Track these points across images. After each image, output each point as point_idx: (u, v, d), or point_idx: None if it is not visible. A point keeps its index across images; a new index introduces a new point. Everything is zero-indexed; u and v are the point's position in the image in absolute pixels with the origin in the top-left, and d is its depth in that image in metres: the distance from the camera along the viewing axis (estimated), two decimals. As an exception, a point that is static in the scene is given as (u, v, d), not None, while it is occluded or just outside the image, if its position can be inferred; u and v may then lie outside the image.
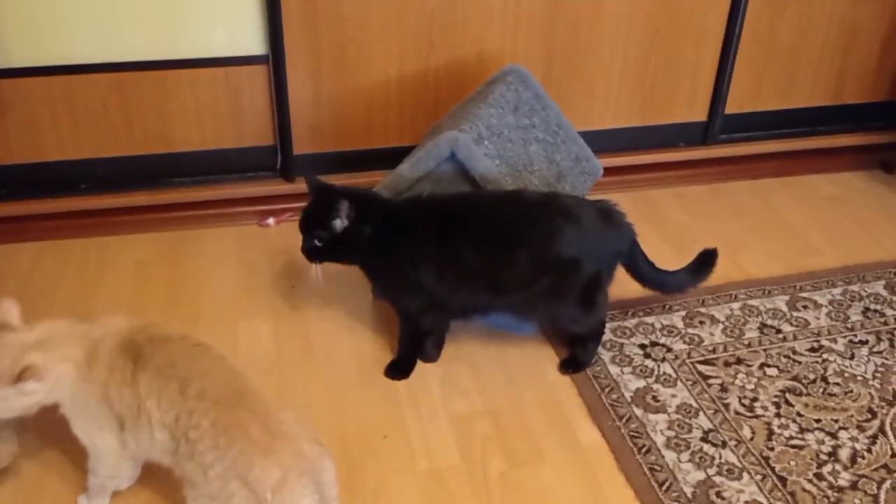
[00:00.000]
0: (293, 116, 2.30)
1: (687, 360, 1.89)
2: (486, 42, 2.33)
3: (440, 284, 1.73)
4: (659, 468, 1.62)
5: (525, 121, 2.02)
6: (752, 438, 1.69)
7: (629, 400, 1.77)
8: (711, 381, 1.83)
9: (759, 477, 1.60)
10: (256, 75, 2.26)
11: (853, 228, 2.42)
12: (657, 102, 2.55)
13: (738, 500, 1.55)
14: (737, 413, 1.75)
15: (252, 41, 2.23)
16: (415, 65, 2.32)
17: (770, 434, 1.70)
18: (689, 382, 1.82)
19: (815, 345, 1.94)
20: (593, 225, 1.75)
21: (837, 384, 1.83)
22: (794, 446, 1.67)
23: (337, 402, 1.77)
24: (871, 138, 2.73)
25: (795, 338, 1.96)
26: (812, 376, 1.85)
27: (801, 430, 1.71)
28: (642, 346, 1.92)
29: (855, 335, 1.97)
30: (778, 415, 1.74)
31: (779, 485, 1.58)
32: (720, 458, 1.64)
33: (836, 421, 1.73)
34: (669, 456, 1.64)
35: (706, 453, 1.65)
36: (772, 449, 1.66)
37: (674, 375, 1.84)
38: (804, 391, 1.81)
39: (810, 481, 1.59)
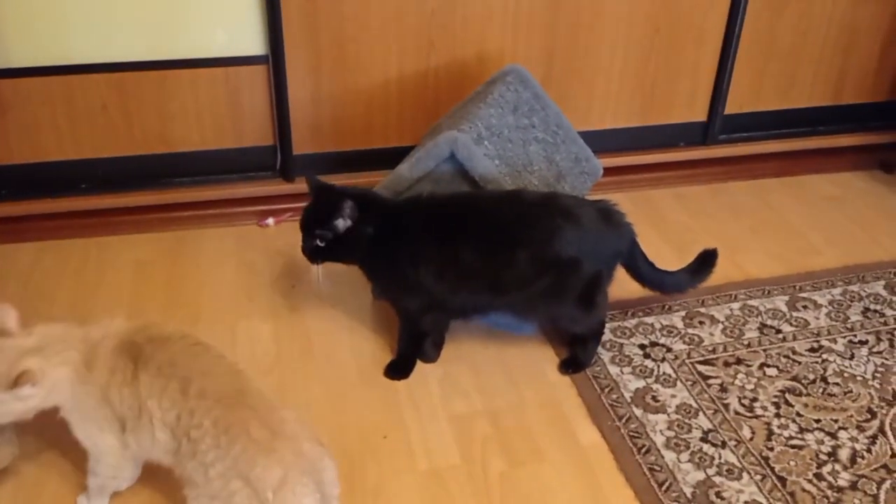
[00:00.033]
0: (293, 116, 2.30)
1: (687, 361, 1.89)
2: (486, 42, 2.33)
3: (440, 284, 1.73)
4: (658, 468, 1.62)
5: (525, 121, 2.02)
6: (751, 438, 1.69)
7: (629, 400, 1.77)
8: (711, 381, 1.83)
9: (758, 477, 1.60)
10: (256, 75, 2.26)
11: (853, 228, 2.42)
12: (657, 102, 2.55)
13: (737, 501, 1.55)
14: (736, 413, 1.75)
15: (252, 41, 2.23)
16: (415, 65, 2.32)
17: (770, 434, 1.70)
18: (689, 383, 1.82)
19: (815, 345, 1.94)
20: (593, 225, 1.75)
21: (837, 384, 1.83)
22: (793, 446, 1.67)
23: (337, 402, 1.77)
24: (871, 138, 2.73)
25: (795, 338, 1.96)
26: (812, 376, 1.85)
27: (801, 431, 1.71)
28: (642, 347, 1.92)
29: (855, 335, 1.97)
30: (778, 415, 1.74)
31: (778, 485, 1.59)
32: (720, 458, 1.64)
33: (836, 421, 1.73)
34: (669, 456, 1.64)
35: (706, 453, 1.65)
36: (771, 449, 1.66)
37: (673, 376, 1.84)
38: (804, 391, 1.81)
39: (810, 481, 1.59)
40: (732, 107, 2.60)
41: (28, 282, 2.10)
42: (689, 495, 1.56)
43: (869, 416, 1.74)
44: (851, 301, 2.09)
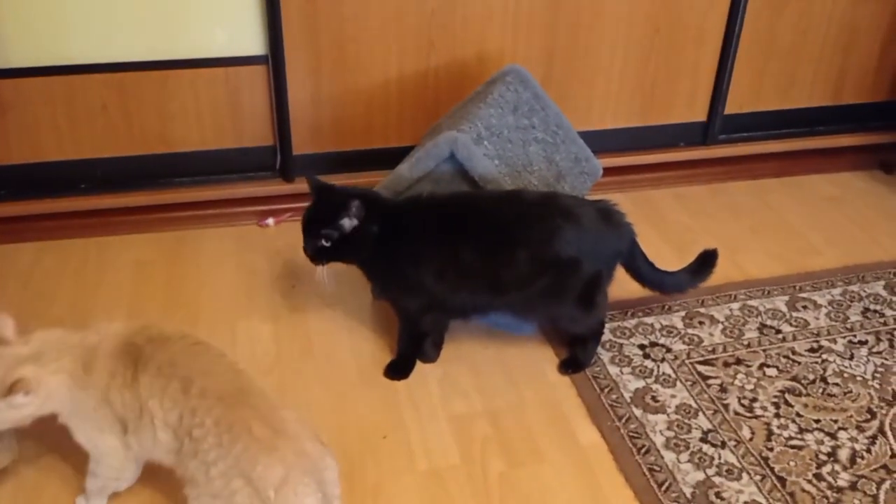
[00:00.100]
0: (293, 116, 2.30)
1: (686, 361, 1.89)
2: (486, 42, 2.33)
3: (440, 284, 1.74)
4: (658, 468, 1.62)
5: (524, 121, 2.02)
6: (751, 439, 1.69)
7: (628, 400, 1.77)
8: (711, 381, 1.83)
9: (758, 477, 1.60)
10: (256, 75, 2.26)
11: (853, 229, 2.42)
12: (657, 102, 2.55)
13: (737, 501, 1.55)
14: (736, 413, 1.75)
15: (252, 41, 2.23)
16: (415, 65, 2.32)
17: (769, 434, 1.70)
18: (689, 383, 1.83)
19: (815, 345, 1.94)
20: (593, 225, 1.75)
21: (837, 384, 1.83)
22: (793, 447, 1.67)
23: (337, 403, 1.77)
24: (871, 138, 2.73)
25: (795, 338, 1.96)
26: (811, 377, 1.85)
27: (801, 431, 1.71)
28: (642, 347, 1.93)
29: (854, 335, 1.97)
30: (777, 415, 1.74)
31: (778, 485, 1.59)
32: (719, 458, 1.64)
33: (836, 421, 1.73)
34: (669, 456, 1.64)
35: (705, 454, 1.65)
36: (771, 449, 1.66)
37: (673, 376, 1.84)
38: (803, 391, 1.81)
39: (809, 482, 1.59)
40: (732, 107, 2.60)
41: (28, 282, 2.10)
42: (688, 495, 1.56)
43: (868, 417, 1.74)
44: (851, 301, 2.09)
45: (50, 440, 1.57)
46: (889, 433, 1.71)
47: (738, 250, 2.28)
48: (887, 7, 2.57)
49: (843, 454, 1.66)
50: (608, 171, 2.28)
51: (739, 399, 1.78)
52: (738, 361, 1.89)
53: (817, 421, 1.73)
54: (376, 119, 2.37)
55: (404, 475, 1.60)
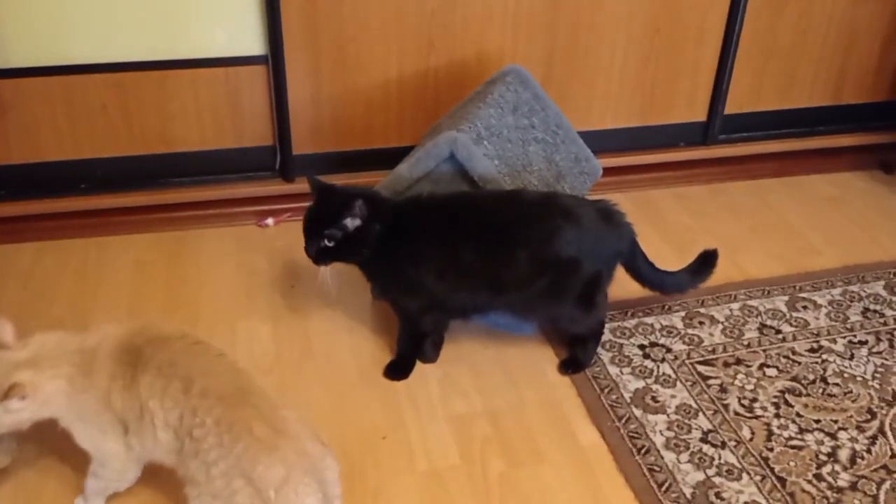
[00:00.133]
0: (293, 116, 2.30)
1: (686, 361, 1.89)
2: (486, 42, 2.33)
3: (440, 284, 1.73)
4: (658, 469, 1.62)
5: (524, 121, 2.02)
6: (751, 439, 1.69)
7: (628, 400, 1.77)
8: (711, 381, 1.83)
9: (758, 478, 1.60)
10: (256, 75, 2.26)
11: (853, 229, 2.42)
12: (657, 102, 2.55)
13: (737, 501, 1.55)
14: (736, 414, 1.75)
15: (251, 41, 2.23)
16: (415, 65, 2.32)
17: (769, 435, 1.70)
18: (689, 383, 1.82)
19: (815, 345, 1.94)
20: (593, 225, 1.75)
21: (837, 385, 1.83)
22: (793, 447, 1.67)
23: (336, 403, 1.77)
24: (871, 138, 2.73)
25: (795, 338, 1.96)
26: (811, 377, 1.85)
27: (801, 431, 1.71)
28: (642, 347, 1.92)
29: (854, 336, 1.97)
30: (777, 415, 1.74)
31: (778, 485, 1.59)
32: (719, 458, 1.64)
33: (836, 421, 1.73)
34: (669, 456, 1.64)
35: (705, 454, 1.65)
36: (771, 449, 1.66)
37: (673, 376, 1.84)
38: (804, 392, 1.81)
39: (810, 482, 1.59)
40: (732, 107, 2.60)
41: (28, 282, 2.10)
42: (688, 496, 1.56)
43: (869, 417, 1.74)
44: (851, 301, 2.09)
45: (50, 441, 1.56)
46: (889, 433, 1.71)
47: (738, 250, 2.28)
48: (887, 7, 2.57)
49: (844, 454, 1.66)
50: (608, 171, 2.28)
51: (739, 399, 1.78)
52: (739, 361, 1.89)
53: (817, 421, 1.73)
54: (376, 119, 2.37)
55: (404, 475, 1.60)
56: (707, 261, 1.96)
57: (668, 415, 1.74)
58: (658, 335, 1.96)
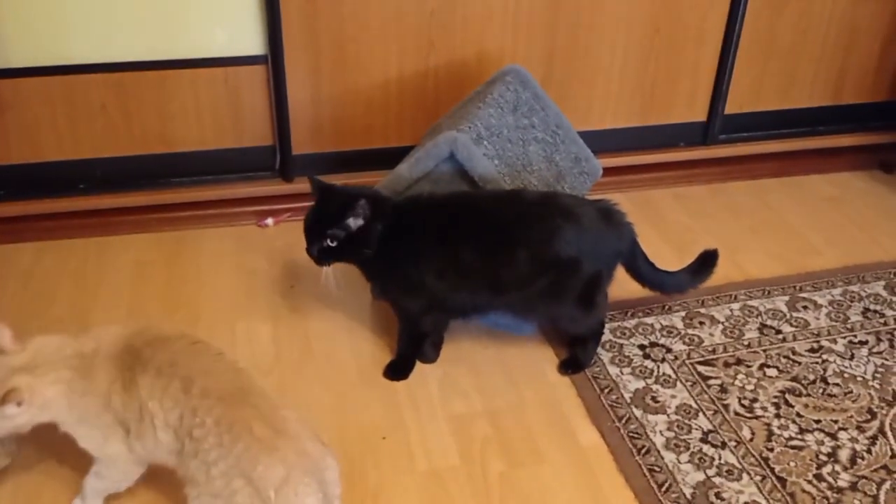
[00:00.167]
0: (292, 116, 2.30)
1: (686, 361, 1.89)
2: (486, 42, 2.33)
3: (440, 284, 1.73)
4: (658, 469, 1.62)
5: (524, 121, 2.02)
6: (751, 439, 1.69)
7: (628, 401, 1.77)
8: (711, 381, 1.83)
9: (758, 478, 1.60)
10: (256, 75, 2.26)
11: (852, 229, 2.42)
12: (657, 102, 2.55)
13: (737, 501, 1.55)
14: (736, 414, 1.75)
15: (251, 41, 2.23)
16: (415, 65, 2.32)
17: (770, 435, 1.70)
18: (689, 383, 1.82)
19: (815, 345, 1.94)
20: (593, 225, 1.75)
21: (837, 385, 1.83)
22: (793, 447, 1.67)
23: (336, 403, 1.77)
24: (871, 138, 2.73)
25: (795, 338, 1.96)
26: (812, 377, 1.85)
27: (801, 431, 1.71)
28: (642, 347, 1.92)
29: (855, 336, 1.97)
30: (777, 415, 1.74)
31: (778, 486, 1.58)
32: (720, 458, 1.64)
33: (836, 422, 1.73)
34: (669, 457, 1.64)
35: (706, 454, 1.65)
36: (771, 450, 1.66)
37: (673, 376, 1.84)
38: (804, 392, 1.81)
39: (810, 482, 1.59)
40: (732, 107, 2.60)
41: (28, 282, 2.10)
42: (688, 496, 1.56)
43: (869, 417, 1.74)
44: (851, 301, 2.09)
45: (49, 442, 1.56)
46: (889, 433, 1.71)
47: (738, 250, 2.28)
48: (887, 7, 2.57)
49: (844, 454, 1.66)
50: (608, 171, 2.28)
51: (740, 399, 1.78)
52: (739, 362, 1.89)
53: (818, 421, 1.73)
54: (376, 119, 2.37)
55: (404, 475, 1.60)
56: (707, 261, 1.96)
57: (668, 415, 1.74)
58: (658, 335, 1.96)
